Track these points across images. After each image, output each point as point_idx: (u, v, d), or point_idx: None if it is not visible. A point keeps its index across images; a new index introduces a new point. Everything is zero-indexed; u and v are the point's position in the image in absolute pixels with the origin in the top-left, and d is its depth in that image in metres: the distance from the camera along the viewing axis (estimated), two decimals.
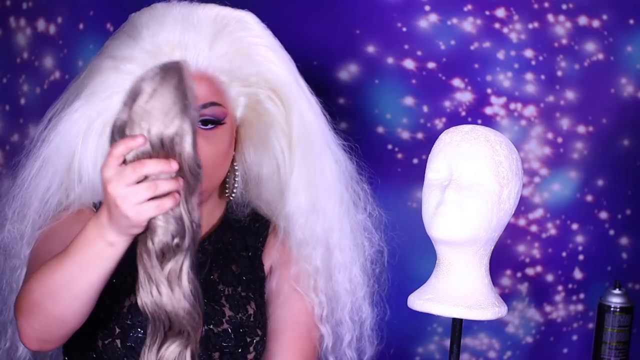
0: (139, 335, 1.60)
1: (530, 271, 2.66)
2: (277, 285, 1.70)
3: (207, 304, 1.63)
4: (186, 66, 1.31)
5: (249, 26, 1.66)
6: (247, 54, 1.64)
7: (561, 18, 2.55)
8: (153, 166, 1.29)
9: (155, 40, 1.60)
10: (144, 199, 1.30)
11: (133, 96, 1.29)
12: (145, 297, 1.36)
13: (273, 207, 1.72)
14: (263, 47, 1.66)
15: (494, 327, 2.65)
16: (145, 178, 1.30)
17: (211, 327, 1.63)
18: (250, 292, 1.68)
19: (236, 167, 1.70)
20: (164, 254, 1.34)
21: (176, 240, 1.33)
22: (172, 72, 1.29)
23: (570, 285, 2.68)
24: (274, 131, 1.68)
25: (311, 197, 1.66)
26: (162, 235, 1.33)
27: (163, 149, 1.30)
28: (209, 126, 1.61)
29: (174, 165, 1.30)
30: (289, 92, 1.67)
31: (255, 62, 1.65)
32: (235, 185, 1.70)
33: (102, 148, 1.62)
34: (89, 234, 1.37)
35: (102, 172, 1.31)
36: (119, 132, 1.31)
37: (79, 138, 1.64)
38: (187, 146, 1.30)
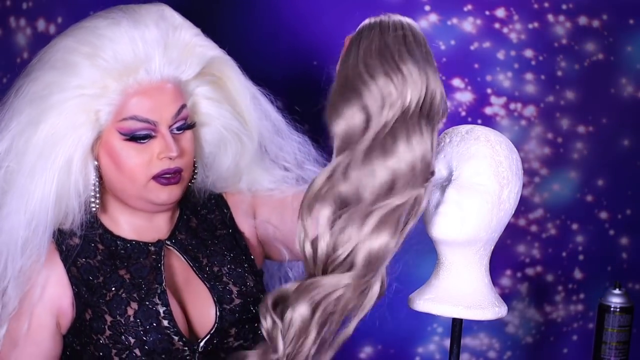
0: (158, 337, 1.60)
1: (530, 271, 2.66)
2: (270, 211, 1.80)
3: (214, 286, 1.66)
4: None
5: (177, 22, 1.70)
6: (191, 49, 1.69)
7: (561, 18, 2.55)
8: None
9: (118, 62, 1.61)
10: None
11: None
12: None
13: (230, 180, 1.82)
14: (196, 37, 1.71)
15: (494, 327, 2.65)
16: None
17: (224, 306, 1.67)
18: (241, 267, 1.73)
19: (194, 158, 1.75)
20: None
21: None
22: None
23: (570, 285, 2.68)
24: (225, 111, 1.76)
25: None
26: None
27: None
28: (181, 131, 1.66)
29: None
30: (225, 69, 1.75)
31: (198, 54, 1.70)
32: (195, 174, 1.75)
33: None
34: None
35: None
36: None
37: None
38: None
